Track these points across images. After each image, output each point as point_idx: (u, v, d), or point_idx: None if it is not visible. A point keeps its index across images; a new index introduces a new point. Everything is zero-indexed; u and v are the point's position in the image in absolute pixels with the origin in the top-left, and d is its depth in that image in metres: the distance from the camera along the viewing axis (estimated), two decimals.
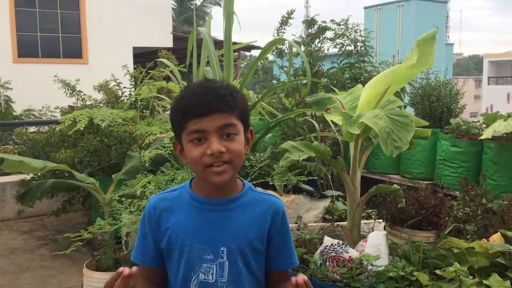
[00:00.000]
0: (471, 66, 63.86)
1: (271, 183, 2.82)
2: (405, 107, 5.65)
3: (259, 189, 1.53)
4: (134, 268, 1.22)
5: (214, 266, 1.38)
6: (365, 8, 28.77)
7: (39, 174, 4.95)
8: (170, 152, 2.90)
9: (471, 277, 2.29)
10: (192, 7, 31.06)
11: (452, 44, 31.97)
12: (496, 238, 2.71)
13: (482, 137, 4.40)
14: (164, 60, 4.58)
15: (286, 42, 4.96)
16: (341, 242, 2.57)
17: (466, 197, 3.29)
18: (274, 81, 6.04)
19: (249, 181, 2.71)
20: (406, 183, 5.47)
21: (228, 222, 1.39)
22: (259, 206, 1.44)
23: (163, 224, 1.41)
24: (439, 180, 5.12)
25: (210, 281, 1.38)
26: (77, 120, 3.18)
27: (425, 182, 5.34)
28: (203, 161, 1.33)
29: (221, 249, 1.38)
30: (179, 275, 1.40)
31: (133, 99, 4.45)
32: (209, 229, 1.39)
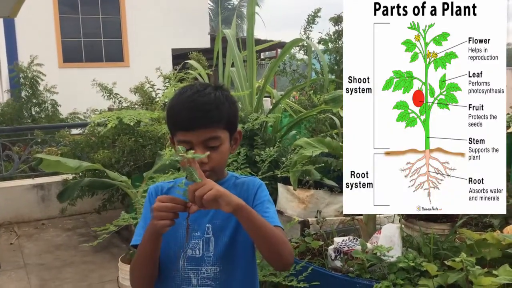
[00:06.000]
0: None
1: (279, 176, 2.92)
2: None
3: (243, 176, 1.68)
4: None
5: (201, 242, 1.53)
6: None
7: (80, 174, 5.20)
8: None
9: (478, 267, 2.32)
10: (229, 7, 31.32)
11: None
12: (510, 230, 2.73)
13: (510, 130, 4.35)
14: (193, 63, 4.76)
15: (311, 40, 5.05)
16: (351, 237, 2.67)
17: None
18: (303, 79, 6.10)
19: (259, 175, 2.84)
20: None
21: None
22: (240, 186, 1.58)
23: None
24: None
25: (197, 255, 1.52)
26: (107, 122, 3.40)
27: None
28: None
29: (207, 225, 1.53)
30: (170, 252, 1.54)
31: (165, 100, 4.64)
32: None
